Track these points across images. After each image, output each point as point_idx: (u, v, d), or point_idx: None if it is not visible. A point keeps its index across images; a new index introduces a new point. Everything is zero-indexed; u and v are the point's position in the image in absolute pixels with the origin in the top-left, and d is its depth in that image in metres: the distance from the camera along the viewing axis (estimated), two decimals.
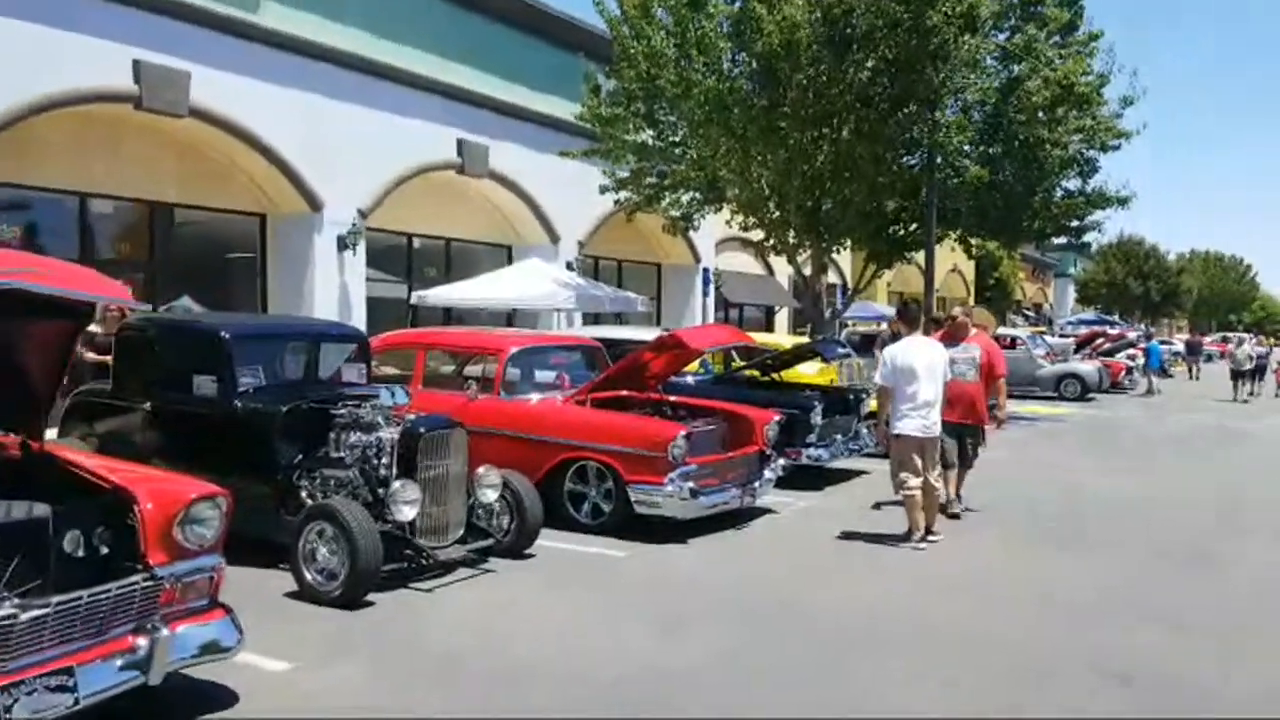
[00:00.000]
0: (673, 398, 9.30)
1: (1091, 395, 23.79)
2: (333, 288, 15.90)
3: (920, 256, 17.45)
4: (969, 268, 44.87)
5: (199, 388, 6.79)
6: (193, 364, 6.92)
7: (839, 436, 10.67)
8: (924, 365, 7.83)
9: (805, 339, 16.00)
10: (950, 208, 17.05)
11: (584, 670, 5.04)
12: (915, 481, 7.80)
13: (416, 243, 19.30)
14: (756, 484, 8.60)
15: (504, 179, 19.23)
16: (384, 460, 6.41)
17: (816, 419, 10.30)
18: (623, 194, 17.75)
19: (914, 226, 17.74)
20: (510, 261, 19.86)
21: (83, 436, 7.40)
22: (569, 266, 21.28)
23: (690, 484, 7.67)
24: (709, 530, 8.04)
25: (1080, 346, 28.03)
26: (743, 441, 8.83)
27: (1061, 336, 32.19)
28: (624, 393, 9.01)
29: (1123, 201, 17.30)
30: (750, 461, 8.70)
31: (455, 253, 19.89)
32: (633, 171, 17.00)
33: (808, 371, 13.81)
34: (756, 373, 11.84)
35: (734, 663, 5.23)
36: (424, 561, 6.31)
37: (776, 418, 9.00)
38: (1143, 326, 44.39)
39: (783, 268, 24.11)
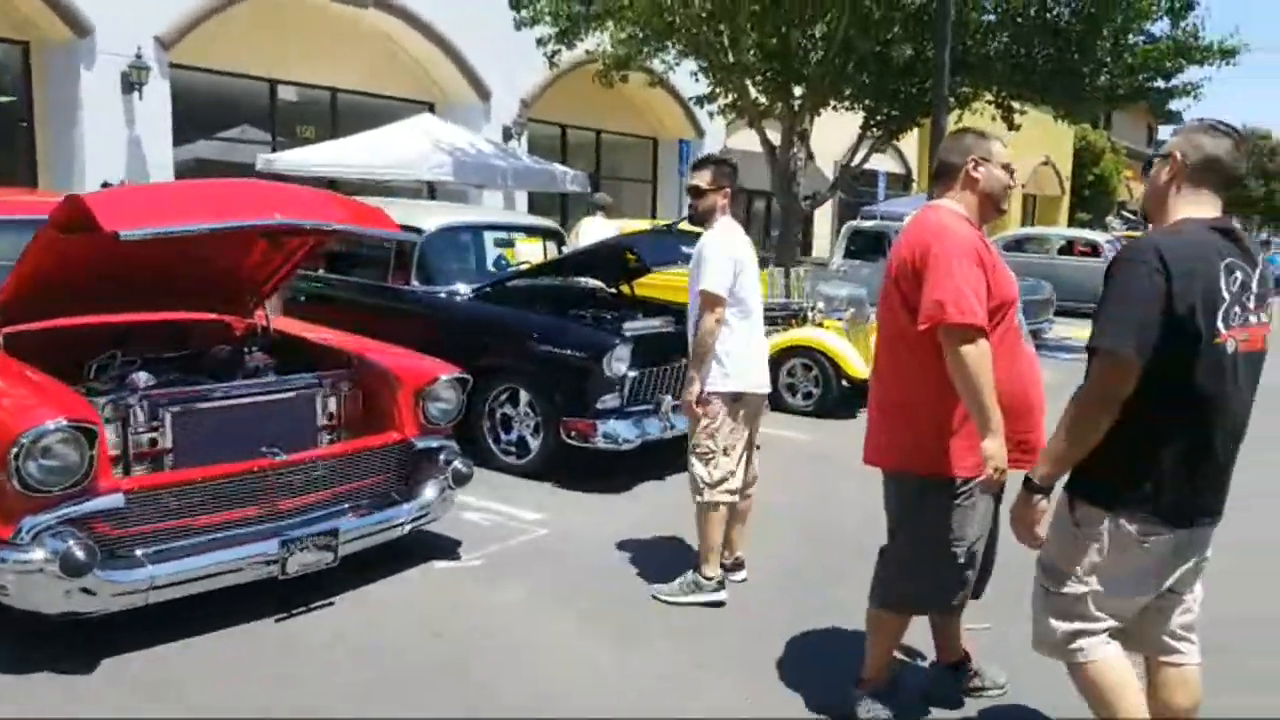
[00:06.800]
0: (310, 331, 5.01)
1: None
2: (116, 145, 11.84)
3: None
4: (1065, 160, 38.65)
5: None
6: None
7: (668, 398, 6.25)
8: (754, 273, 4.51)
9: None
10: (977, 52, 11.95)
11: None
12: (737, 482, 4.42)
13: (286, 93, 15.04)
14: (388, 513, 4.36)
15: (399, 9, 14.74)
16: None
17: (616, 365, 5.91)
18: (540, 29, 13.03)
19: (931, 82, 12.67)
20: None
21: None
22: (507, 134, 16.87)
23: (74, 551, 3.34)
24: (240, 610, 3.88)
25: None
26: (385, 419, 4.56)
27: None
28: (203, 316, 4.80)
29: (1228, 54, 11.93)
30: (375, 464, 4.42)
31: (347, 108, 15.55)
32: None
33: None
34: (600, 282, 7.38)
35: None
36: None
37: (443, 376, 4.63)
38: (1264, 234, 37.62)
39: (826, 148, 18.65)
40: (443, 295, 6.59)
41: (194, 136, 13.79)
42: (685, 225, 5.39)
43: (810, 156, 26.43)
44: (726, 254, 4.33)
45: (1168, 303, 2.35)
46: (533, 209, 16.76)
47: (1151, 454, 2.48)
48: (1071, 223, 37.92)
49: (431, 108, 16.33)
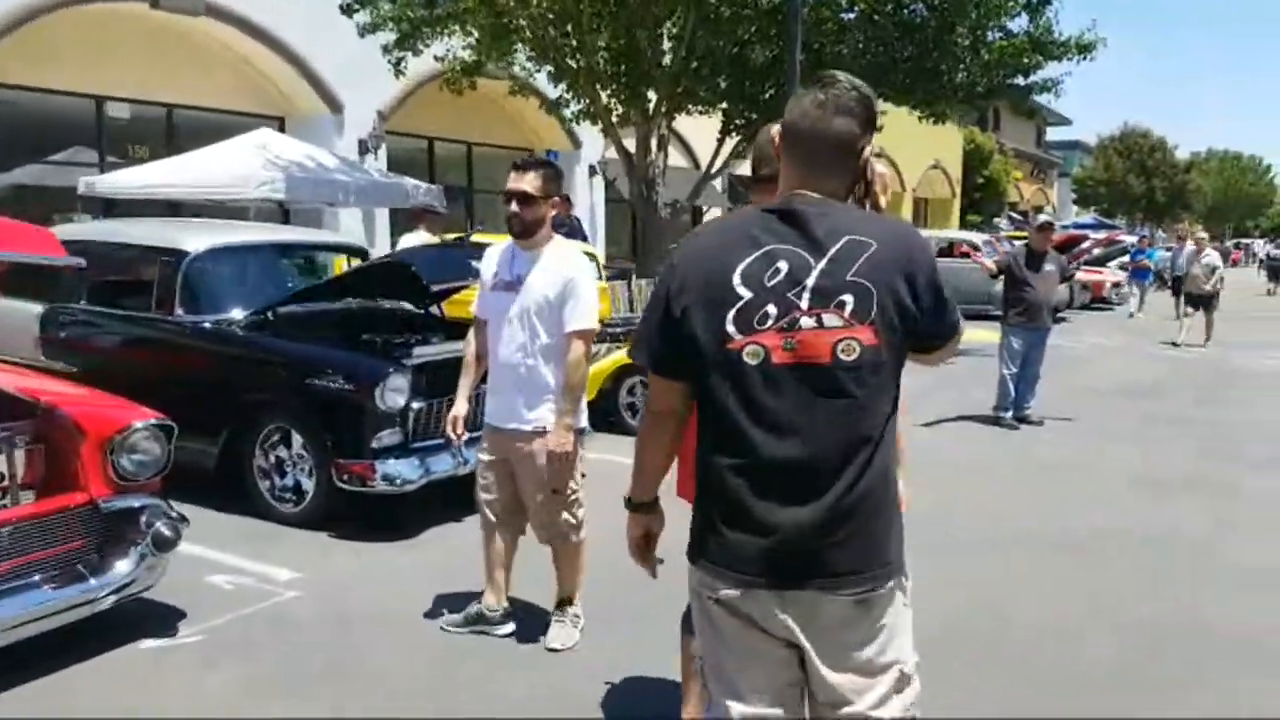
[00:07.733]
0: (11, 375, 4.27)
1: (1061, 316, 18.74)
2: None
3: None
4: (955, 163, 39.17)
5: None
6: None
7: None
8: None
9: None
10: (833, 51, 11.65)
11: None
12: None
13: (117, 110, 14.01)
14: (65, 592, 3.66)
15: (235, 17, 13.88)
16: None
17: (392, 396, 5.28)
18: (383, 35, 12.29)
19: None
20: None
21: None
22: (363, 148, 16.10)
23: None
24: None
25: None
26: (71, 477, 3.87)
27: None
28: None
29: (1085, 49, 11.85)
30: (50, 534, 3.72)
31: (186, 125, 14.54)
32: None
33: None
34: (409, 303, 6.70)
35: None
36: None
37: (137, 423, 3.95)
38: (1146, 230, 38.65)
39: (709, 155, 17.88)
40: (208, 325, 5.86)
41: (12, 161, 12.75)
42: (478, 238, 4.84)
43: (697, 164, 26.15)
44: (594, 284, 4.02)
45: (667, 303, 1.97)
46: (395, 226, 15.98)
47: (701, 483, 2.02)
48: (963, 225, 38.47)
49: (282, 123, 15.51)
